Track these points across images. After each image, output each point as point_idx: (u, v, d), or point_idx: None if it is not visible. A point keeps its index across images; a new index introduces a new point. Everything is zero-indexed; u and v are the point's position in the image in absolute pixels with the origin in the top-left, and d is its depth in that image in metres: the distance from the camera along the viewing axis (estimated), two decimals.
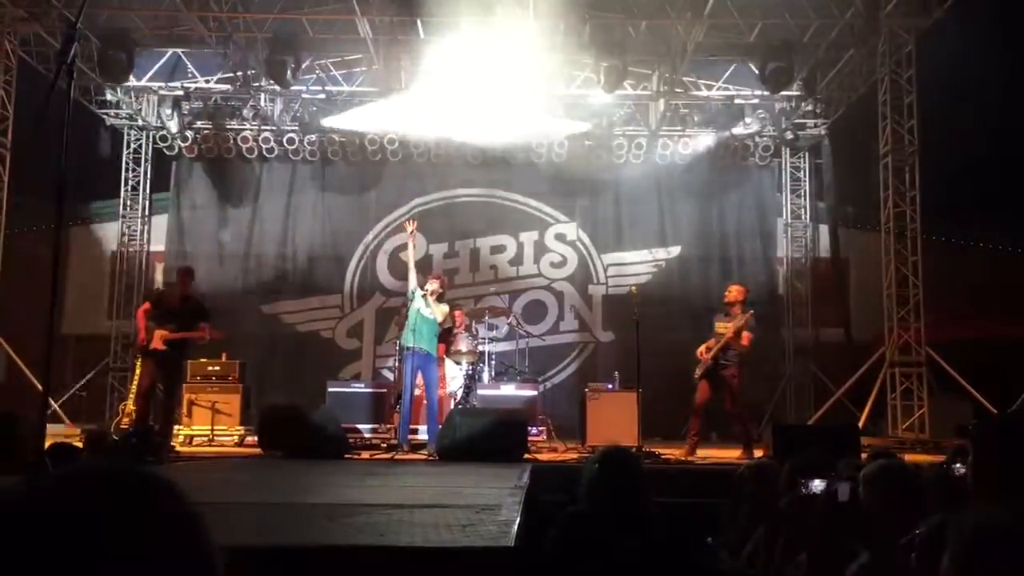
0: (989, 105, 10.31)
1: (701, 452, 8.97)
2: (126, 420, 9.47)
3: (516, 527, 3.16)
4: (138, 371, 9.08)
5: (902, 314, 11.45)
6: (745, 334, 8.92)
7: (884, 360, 11.39)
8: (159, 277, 14.04)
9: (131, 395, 9.36)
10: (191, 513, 0.93)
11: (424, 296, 9.00)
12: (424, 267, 13.37)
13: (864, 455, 5.60)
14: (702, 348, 9.07)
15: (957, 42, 10.79)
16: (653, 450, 8.87)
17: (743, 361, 9.13)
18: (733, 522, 4.57)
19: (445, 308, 9.29)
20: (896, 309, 11.48)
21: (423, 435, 9.35)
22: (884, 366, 11.35)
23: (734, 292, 9.32)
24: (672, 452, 9.03)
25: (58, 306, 4.39)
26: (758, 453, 8.11)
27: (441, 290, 9.21)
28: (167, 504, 0.91)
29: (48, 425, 4.90)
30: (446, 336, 10.16)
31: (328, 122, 13.07)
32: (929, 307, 11.42)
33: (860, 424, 10.08)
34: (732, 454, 9.05)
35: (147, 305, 9.17)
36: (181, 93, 13.21)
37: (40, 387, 7.46)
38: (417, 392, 9.28)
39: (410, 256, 9.46)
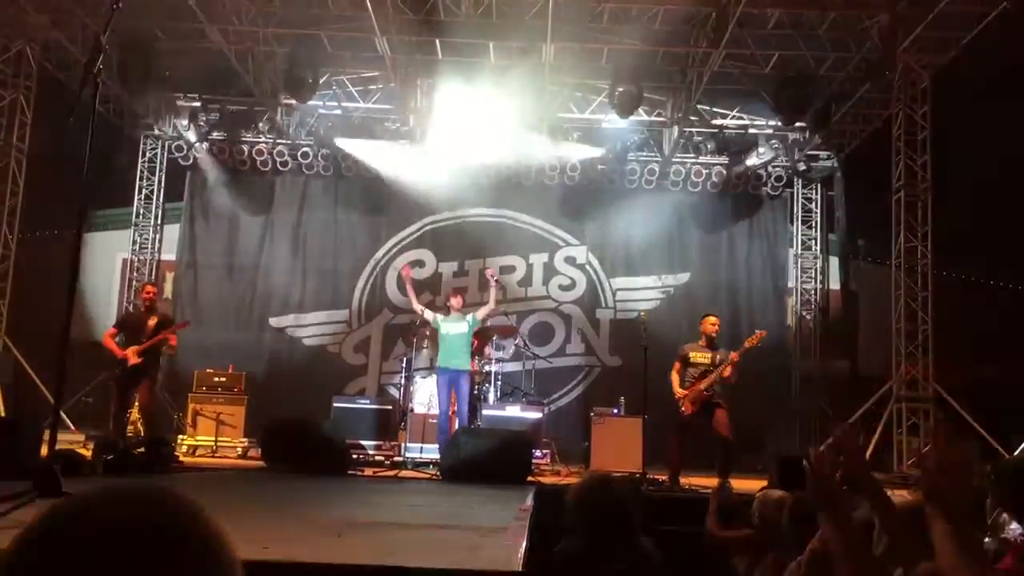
0: (1007, 144, 10.29)
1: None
2: (131, 428, 9.48)
3: (523, 551, 3.15)
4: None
5: (910, 349, 11.41)
6: (731, 369, 8.79)
7: (891, 395, 11.34)
8: (168, 286, 14.07)
9: (136, 404, 9.34)
10: (218, 532, 0.93)
11: (451, 313, 9.40)
12: (434, 286, 13.45)
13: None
14: (696, 387, 8.83)
15: (975, 79, 10.78)
16: (656, 477, 8.75)
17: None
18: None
19: (479, 313, 9.66)
20: (905, 344, 11.44)
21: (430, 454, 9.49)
22: (891, 401, 11.29)
23: (718, 324, 9.24)
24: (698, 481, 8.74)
25: (72, 317, 4.40)
26: (760, 484, 8.01)
27: (461, 303, 9.60)
28: (195, 525, 0.92)
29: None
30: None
31: (342, 143, 13.16)
32: (939, 346, 11.35)
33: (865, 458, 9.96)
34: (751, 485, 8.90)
35: (113, 329, 9.08)
36: (198, 104, 13.32)
37: (51, 397, 7.47)
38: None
39: (412, 298, 9.82)
